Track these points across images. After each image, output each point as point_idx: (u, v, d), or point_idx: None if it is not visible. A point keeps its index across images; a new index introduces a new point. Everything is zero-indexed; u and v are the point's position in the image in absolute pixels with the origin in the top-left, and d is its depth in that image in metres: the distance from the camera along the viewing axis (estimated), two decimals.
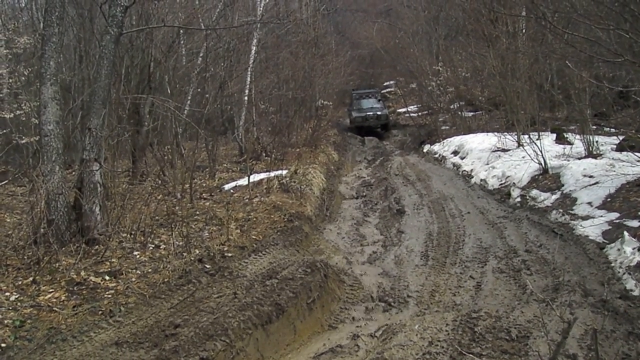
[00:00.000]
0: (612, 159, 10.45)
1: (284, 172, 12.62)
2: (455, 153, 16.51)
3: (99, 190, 7.32)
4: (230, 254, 7.45)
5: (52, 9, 7.29)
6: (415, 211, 10.74)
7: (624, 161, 9.81)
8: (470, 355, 4.76)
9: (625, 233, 6.79)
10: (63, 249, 6.78)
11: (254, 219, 9.25)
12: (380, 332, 5.72)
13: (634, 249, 6.41)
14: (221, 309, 5.57)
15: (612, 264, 6.53)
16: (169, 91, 13.58)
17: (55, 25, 7.28)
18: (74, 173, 9.92)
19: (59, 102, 7.38)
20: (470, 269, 7.30)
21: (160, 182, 11.79)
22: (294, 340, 5.71)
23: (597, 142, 11.55)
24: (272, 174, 12.32)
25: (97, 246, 7.06)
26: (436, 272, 7.32)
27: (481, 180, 12.77)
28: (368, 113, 27.14)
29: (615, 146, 11.48)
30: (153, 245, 7.59)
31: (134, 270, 6.58)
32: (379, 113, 27.19)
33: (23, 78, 13.32)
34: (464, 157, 15.52)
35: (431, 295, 6.57)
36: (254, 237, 8.29)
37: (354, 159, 20.29)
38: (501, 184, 11.98)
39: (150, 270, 6.63)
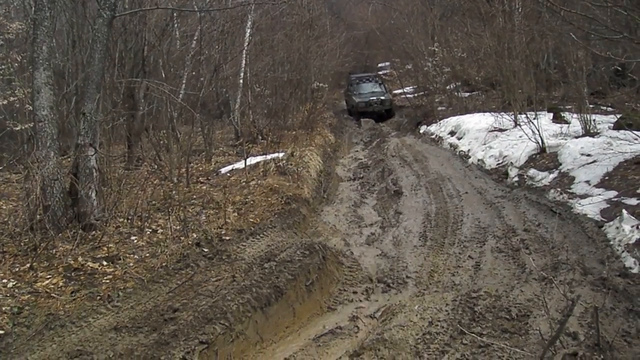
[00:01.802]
0: (610, 137, 10.42)
1: (281, 154, 12.58)
2: (452, 133, 16.46)
3: (94, 175, 7.27)
4: (228, 237, 7.43)
5: None
6: (413, 192, 10.72)
7: (621, 139, 9.79)
8: (472, 334, 4.76)
9: (624, 211, 6.78)
10: (60, 235, 6.75)
11: (251, 202, 9.22)
12: (380, 313, 5.73)
13: (632, 226, 6.40)
14: (220, 292, 5.56)
15: (611, 242, 6.54)
16: (163, 75, 13.47)
17: (47, 9, 7.20)
18: (69, 159, 9.85)
19: (52, 88, 7.31)
20: (469, 249, 7.30)
21: (156, 166, 11.73)
22: (293, 322, 5.71)
23: (594, 120, 11.51)
24: (269, 156, 12.27)
25: (94, 232, 7.03)
26: (435, 252, 7.32)
27: (478, 160, 12.74)
28: (371, 98, 26.01)
29: (612, 124, 11.46)
30: (150, 230, 7.57)
31: (132, 255, 6.56)
32: (382, 98, 26.13)
33: (16, 64, 13.17)
34: (460, 138, 15.47)
35: (430, 275, 6.57)
36: (251, 220, 8.27)
37: (350, 140, 20.23)
38: (498, 163, 11.96)
39: (148, 254, 6.61)
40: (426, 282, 6.41)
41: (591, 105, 12.74)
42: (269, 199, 9.45)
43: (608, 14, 8.78)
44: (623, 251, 6.18)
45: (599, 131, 11.26)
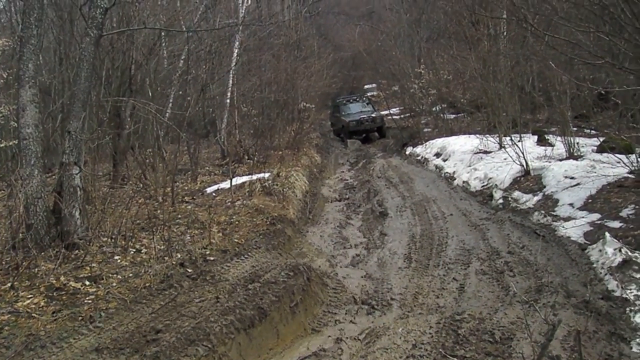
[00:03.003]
0: (593, 160, 10.52)
1: (267, 175, 12.57)
2: (437, 155, 16.54)
3: (78, 194, 7.23)
4: (212, 258, 7.38)
5: (30, 11, 7.21)
6: (398, 213, 10.74)
7: (604, 162, 9.88)
8: (454, 358, 4.75)
9: (607, 234, 6.83)
10: (42, 253, 6.69)
11: (236, 222, 9.19)
12: (364, 335, 5.70)
13: (615, 249, 6.44)
14: (203, 313, 5.51)
15: (594, 265, 6.56)
16: (150, 94, 13.48)
17: (34, 27, 7.20)
18: (53, 177, 9.80)
19: (38, 105, 7.29)
20: (454, 270, 7.30)
21: (141, 185, 11.69)
22: (277, 344, 5.66)
23: (577, 143, 11.63)
24: (255, 176, 12.26)
25: (77, 251, 6.98)
26: (419, 274, 7.31)
27: (463, 182, 12.80)
28: (362, 116, 25.70)
29: (595, 148, 11.56)
30: (134, 250, 7.51)
31: (115, 275, 6.50)
32: (373, 115, 25.84)
33: (1, 80, 13.14)
34: (446, 159, 15.55)
35: (414, 297, 6.56)
36: (236, 240, 8.24)
37: (336, 161, 20.28)
38: (483, 185, 12.02)
39: (131, 274, 6.55)
40: (410, 304, 6.39)
41: (575, 129, 12.87)
42: (254, 219, 9.42)
43: (591, 39, 8.92)
44: (606, 274, 6.21)
45: (582, 154, 11.37)
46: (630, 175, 8.92)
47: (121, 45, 12.49)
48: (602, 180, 9.12)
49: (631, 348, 4.81)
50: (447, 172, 14.36)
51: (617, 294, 5.72)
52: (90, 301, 5.75)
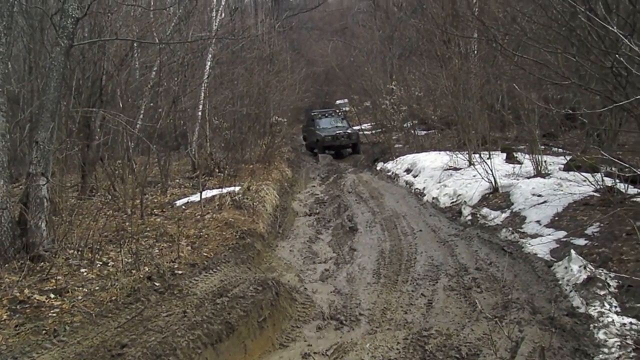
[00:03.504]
0: (560, 178, 10.71)
1: (237, 188, 12.54)
2: (408, 171, 16.67)
3: (45, 205, 7.13)
4: (180, 272, 7.33)
5: None
6: (368, 229, 10.78)
7: (570, 181, 10.07)
8: None
9: (572, 251, 6.94)
10: (6, 265, 6.58)
11: (206, 236, 9.14)
12: (332, 350, 5.69)
13: (580, 266, 6.54)
14: (170, 328, 5.46)
15: (560, 282, 6.66)
16: (121, 105, 13.35)
17: (3, 35, 7.11)
18: (20, 187, 9.65)
19: (5, 114, 7.20)
20: (422, 286, 7.35)
21: (110, 197, 11.56)
22: (244, 359, 5.64)
23: (545, 161, 11.82)
24: (225, 190, 12.22)
25: (42, 263, 6.87)
26: (388, 289, 7.34)
27: (433, 198, 12.91)
28: (338, 132, 25.52)
29: (562, 166, 11.76)
30: (101, 262, 7.42)
31: (81, 288, 6.41)
32: (349, 132, 25.73)
33: None
34: (416, 175, 15.68)
35: (383, 313, 6.58)
36: (205, 254, 8.19)
37: (307, 176, 20.30)
38: (453, 202, 12.14)
39: (97, 288, 6.47)
40: (379, 319, 6.41)
41: (543, 147, 13.09)
42: (224, 233, 9.38)
43: (559, 60, 9.10)
44: (571, 291, 6.30)
45: (549, 172, 11.55)
46: (595, 194, 9.10)
47: (92, 56, 12.38)
48: (569, 198, 9.30)
49: None
50: (417, 188, 14.47)
51: (582, 310, 5.81)
52: (54, 314, 5.66)
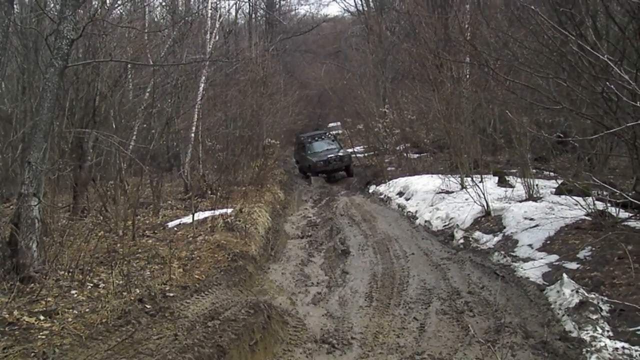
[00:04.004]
0: (552, 202, 10.74)
1: (229, 210, 12.52)
2: (400, 194, 16.69)
3: (36, 226, 7.09)
4: (172, 294, 7.28)
5: None
6: (360, 252, 10.76)
7: (562, 204, 10.09)
8: None
9: (564, 275, 6.95)
10: None
11: (198, 258, 9.10)
12: None
13: (572, 290, 6.55)
14: (161, 351, 5.41)
15: (552, 306, 6.65)
16: (114, 126, 13.35)
17: None
18: (11, 207, 9.60)
19: None
20: (414, 310, 7.32)
21: (102, 218, 11.52)
22: None
23: (537, 185, 11.86)
24: (217, 212, 12.20)
25: (32, 284, 6.81)
26: (380, 313, 7.31)
27: (425, 221, 12.91)
28: (329, 155, 24.92)
29: (554, 189, 11.81)
30: (92, 284, 7.36)
31: (71, 310, 6.35)
32: (340, 154, 25.11)
33: None
34: (409, 198, 15.70)
35: (375, 336, 6.54)
36: (196, 276, 8.15)
37: (300, 198, 20.29)
38: (445, 225, 12.15)
39: (87, 310, 6.41)
40: (371, 343, 6.38)
41: (534, 170, 13.15)
42: (216, 255, 9.35)
43: (550, 85, 9.19)
44: (563, 315, 6.29)
45: (541, 196, 11.59)
46: (587, 218, 9.12)
47: (86, 76, 12.40)
48: (560, 222, 9.32)
49: None
50: (409, 211, 14.47)
51: (574, 335, 5.79)
52: (44, 337, 5.60)
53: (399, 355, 5.90)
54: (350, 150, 27.26)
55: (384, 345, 6.29)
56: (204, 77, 17.09)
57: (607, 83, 6.35)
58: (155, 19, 22.35)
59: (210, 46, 18.28)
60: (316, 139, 27.69)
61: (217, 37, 19.46)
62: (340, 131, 34.08)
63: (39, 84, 11.84)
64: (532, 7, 7.85)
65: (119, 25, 12.80)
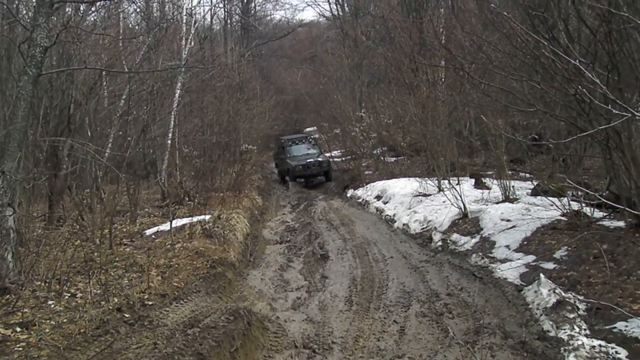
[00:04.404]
0: (528, 203, 10.86)
1: (207, 217, 12.47)
2: (378, 198, 16.74)
3: (12, 236, 7.02)
4: (150, 302, 7.23)
5: None
6: (339, 256, 10.78)
7: (538, 205, 10.21)
8: None
9: (542, 275, 7.02)
10: None
11: (176, 266, 9.05)
12: None
13: (549, 290, 6.61)
14: None
15: (530, 306, 6.72)
16: (89, 134, 13.25)
17: None
18: None
19: None
20: (394, 313, 7.35)
21: (78, 227, 11.40)
22: None
23: (513, 187, 11.99)
24: (195, 219, 12.14)
25: (8, 295, 6.74)
26: (360, 317, 7.32)
27: (404, 224, 12.96)
28: (309, 160, 24.67)
29: (530, 191, 11.93)
30: (69, 294, 7.29)
31: (48, 321, 6.28)
32: (320, 159, 24.94)
33: None
34: (386, 202, 15.75)
35: (355, 340, 6.55)
36: (175, 284, 8.10)
37: (278, 203, 20.28)
38: (423, 228, 12.20)
39: (65, 320, 6.34)
40: (352, 347, 6.38)
41: (510, 172, 13.28)
42: (194, 262, 9.30)
43: (524, 88, 9.29)
44: (541, 314, 6.36)
45: (517, 197, 11.71)
46: (562, 218, 9.23)
47: (60, 84, 12.30)
48: (537, 222, 9.43)
49: None
50: (387, 215, 14.52)
51: (552, 334, 5.85)
52: (20, 349, 5.53)
53: (380, 358, 5.92)
54: (328, 154, 27.21)
55: (364, 349, 6.30)
56: (179, 84, 17.02)
57: (580, 87, 6.44)
58: (130, 26, 22.26)
59: (186, 52, 18.22)
60: (296, 142, 27.35)
61: (192, 43, 19.38)
62: (317, 135, 33.99)
63: (12, 92, 11.70)
64: (505, 12, 7.94)
65: (93, 32, 12.71)
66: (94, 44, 14.03)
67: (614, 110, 4.19)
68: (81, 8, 13.01)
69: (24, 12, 13.18)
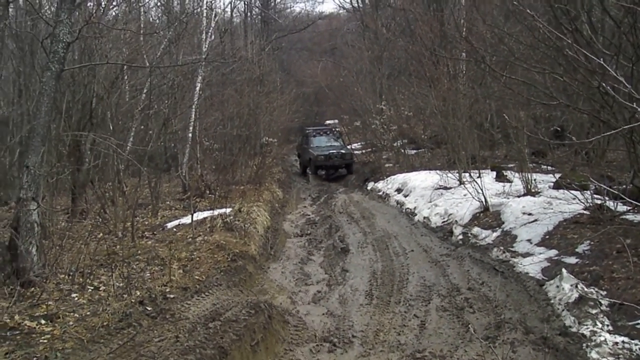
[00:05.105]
0: (550, 197, 10.75)
1: (228, 210, 12.51)
2: (398, 191, 16.70)
3: (36, 230, 7.09)
4: (172, 296, 7.28)
5: None
6: (360, 249, 10.78)
7: (560, 199, 10.11)
8: None
9: (564, 270, 6.97)
10: None
11: (197, 259, 9.11)
12: None
13: (571, 285, 6.56)
14: (162, 353, 5.42)
15: (552, 301, 6.68)
16: (111, 128, 13.36)
17: None
18: (9, 211, 9.60)
19: None
20: (414, 307, 7.35)
21: (100, 220, 11.52)
22: None
23: (535, 180, 11.89)
24: (216, 212, 12.20)
25: (33, 288, 6.82)
26: (380, 311, 7.33)
27: (424, 218, 12.93)
28: (331, 151, 24.50)
29: (552, 184, 11.82)
30: (92, 287, 7.37)
31: (72, 314, 6.36)
32: (342, 151, 24.76)
33: None
34: (407, 195, 15.71)
35: (376, 334, 6.56)
36: (197, 277, 8.15)
37: (298, 196, 20.30)
38: (444, 221, 12.16)
39: (88, 313, 6.42)
40: (372, 341, 6.39)
41: (532, 165, 13.17)
42: (215, 255, 9.35)
43: (547, 80, 9.19)
44: (563, 310, 6.31)
45: (539, 190, 11.61)
46: (585, 212, 9.14)
47: (82, 79, 12.40)
48: (559, 216, 9.35)
49: None
50: (408, 208, 14.49)
51: (574, 329, 5.82)
52: (45, 341, 5.60)
53: (400, 353, 5.92)
54: (348, 147, 27.13)
55: (384, 343, 6.31)
56: (200, 77, 17.09)
57: (602, 83, 6.36)
58: (151, 20, 22.38)
59: (206, 46, 18.26)
60: (320, 133, 27.25)
61: (212, 37, 19.42)
62: (337, 128, 33.92)
63: (36, 87, 11.85)
64: (528, 8, 7.85)
65: (114, 27, 12.78)
66: (115, 39, 14.12)
67: (639, 109, 4.13)
68: (102, 3, 13.08)
69: (47, 8, 13.31)
